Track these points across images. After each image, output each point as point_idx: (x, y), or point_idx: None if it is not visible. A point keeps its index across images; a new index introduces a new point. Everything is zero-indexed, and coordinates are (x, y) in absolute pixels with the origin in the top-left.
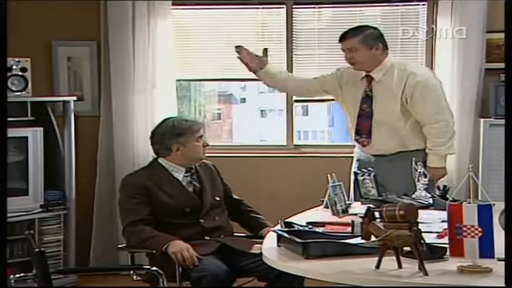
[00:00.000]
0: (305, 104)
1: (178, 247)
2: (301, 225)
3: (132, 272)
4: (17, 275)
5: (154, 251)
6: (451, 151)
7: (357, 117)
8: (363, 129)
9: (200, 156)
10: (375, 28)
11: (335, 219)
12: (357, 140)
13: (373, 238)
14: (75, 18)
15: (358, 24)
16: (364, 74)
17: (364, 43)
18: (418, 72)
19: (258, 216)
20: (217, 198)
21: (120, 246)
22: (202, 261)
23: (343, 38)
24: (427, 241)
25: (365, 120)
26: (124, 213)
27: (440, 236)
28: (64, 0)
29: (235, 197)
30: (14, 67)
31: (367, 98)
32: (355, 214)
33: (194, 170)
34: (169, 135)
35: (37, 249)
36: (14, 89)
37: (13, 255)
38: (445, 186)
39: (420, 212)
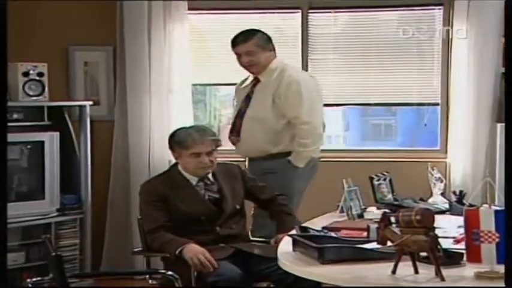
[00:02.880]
0: None
1: (194, 251)
2: (317, 230)
3: (147, 276)
4: (34, 279)
5: (169, 255)
6: (313, 154)
7: (234, 116)
8: (236, 128)
9: (194, 172)
10: (263, 32)
11: (350, 223)
12: (229, 138)
13: (389, 243)
14: (91, 24)
15: (248, 29)
16: (253, 76)
17: (260, 46)
18: (295, 74)
19: (283, 219)
20: (238, 207)
21: (135, 250)
22: (218, 265)
23: (238, 42)
24: (444, 246)
25: (239, 119)
26: (144, 220)
27: (457, 241)
28: (81, 5)
29: (263, 197)
30: (31, 72)
31: (248, 98)
32: (371, 219)
33: (212, 178)
34: (170, 143)
35: (54, 253)
36: (31, 93)
37: (29, 259)
38: (461, 192)
39: (436, 217)
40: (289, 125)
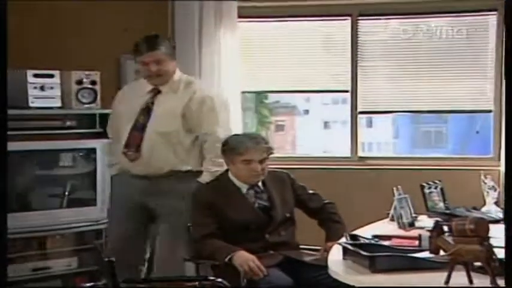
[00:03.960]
0: (369, 115)
1: (244, 258)
2: (367, 238)
3: (197, 282)
4: (88, 284)
5: (218, 262)
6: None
7: (130, 129)
8: (133, 142)
9: (245, 179)
10: (168, 39)
11: (401, 232)
12: (124, 153)
13: (442, 252)
14: (143, 33)
15: (153, 34)
16: (151, 87)
17: (168, 54)
18: (206, 89)
19: (333, 227)
20: (287, 215)
21: (186, 257)
22: (267, 273)
23: (146, 49)
24: (499, 256)
25: (138, 133)
26: (195, 227)
27: None
28: (133, 15)
29: (312, 205)
30: (85, 80)
31: (147, 110)
32: (422, 228)
33: (262, 185)
34: (223, 149)
35: (106, 259)
36: (84, 101)
37: (82, 265)
38: None
39: (490, 226)
40: (196, 141)
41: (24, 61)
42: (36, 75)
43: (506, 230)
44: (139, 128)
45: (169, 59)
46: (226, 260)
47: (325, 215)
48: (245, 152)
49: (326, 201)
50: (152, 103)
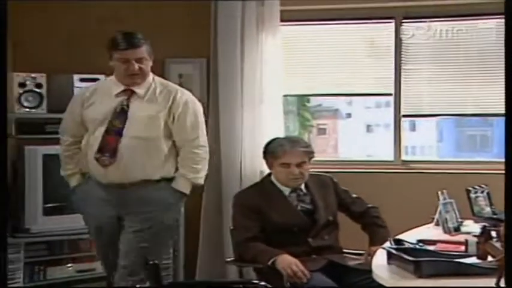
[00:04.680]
0: (413, 119)
1: (287, 261)
2: (412, 243)
3: (241, 286)
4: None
5: (261, 265)
6: (201, 181)
7: (103, 133)
8: (108, 147)
9: (285, 183)
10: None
11: (447, 237)
12: (96, 159)
13: (489, 258)
14: (186, 37)
15: (131, 31)
16: (122, 88)
17: (149, 53)
18: (186, 93)
19: (377, 231)
20: (330, 218)
21: (228, 260)
22: (311, 277)
23: (129, 46)
24: None
25: (113, 137)
26: (237, 230)
27: None
28: (176, 19)
29: (355, 209)
30: None
31: (122, 113)
32: (468, 233)
33: (305, 189)
34: (264, 153)
35: (151, 262)
36: None
37: None
38: None
39: None
40: (173, 147)
41: (70, 66)
42: (82, 80)
43: (507, 230)
44: (115, 132)
45: (149, 58)
46: (269, 263)
47: (369, 219)
48: (282, 156)
49: (369, 205)
50: (127, 105)
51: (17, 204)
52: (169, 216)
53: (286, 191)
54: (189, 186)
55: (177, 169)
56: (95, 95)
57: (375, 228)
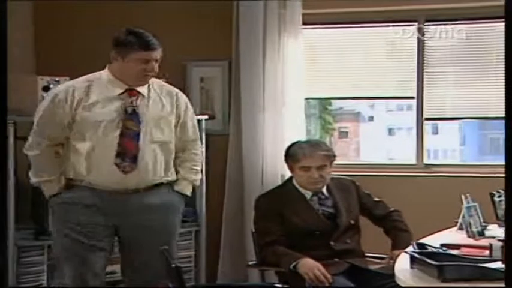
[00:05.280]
0: (435, 122)
1: (308, 265)
2: (435, 247)
3: None
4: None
5: (283, 269)
6: (199, 183)
7: (119, 136)
8: (129, 152)
9: (305, 186)
10: None
11: (470, 241)
12: (117, 165)
13: None
14: (208, 40)
15: (142, 31)
16: (125, 87)
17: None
18: (180, 92)
19: (399, 235)
20: (352, 222)
21: (250, 263)
22: (333, 281)
23: (155, 47)
24: None
25: (131, 141)
26: (259, 233)
27: None
28: (198, 22)
29: (377, 213)
30: None
31: (134, 115)
32: (493, 237)
33: (327, 192)
34: (285, 156)
35: (174, 265)
36: None
37: None
38: None
39: None
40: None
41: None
42: None
43: (507, 230)
44: (131, 135)
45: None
46: (291, 267)
47: (391, 223)
48: (303, 159)
49: (392, 209)
50: (136, 106)
51: (41, 208)
52: (174, 220)
53: (308, 194)
54: (191, 188)
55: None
56: (92, 95)
57: (397, 232)
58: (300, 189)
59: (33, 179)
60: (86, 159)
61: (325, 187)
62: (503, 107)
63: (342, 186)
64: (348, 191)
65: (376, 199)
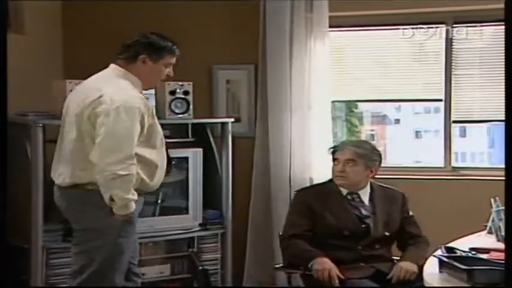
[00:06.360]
0: (463, 124)
1: (323, 265)
2: (464, 251)
3: None
4: None
5: (300, 265)
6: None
7: (165, 144)
8: (169, 158)
9: (334, 180)
10: None
11: (500, 245)
12: (167, 171)
13: None
14: (234, 43)
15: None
16: (140, 90)
17: None
18: None
19: (412, 250)
20: (387, 234)
21: (277, 266)
22: (360, 285)
23: (177, 51)
24: None
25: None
26: (286, 226)
27: None
28: (225, 26)
29: (409, 230)
30: (178, 90)
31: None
32: None
33: (368, 197)
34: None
35: (201, 267)
36: (177, 111)
37: (174, 272)
38: None
39: None
40: None
41: None
42: None
43: (507, 230)
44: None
45: None
46: (309, 266)
47: (414, 239)
48: (335, 152)
49: (421, 235)
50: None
51: None
52: None
53: (344, 191)
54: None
55: None
56: (147, 103)
57: (412, 248)
58: (339, 187)
59: (125, 200)
60: (152, 166)
61: (368, 192)
62: None
63: (390, 197)
64: (395, 203)
65: (413, 218)
